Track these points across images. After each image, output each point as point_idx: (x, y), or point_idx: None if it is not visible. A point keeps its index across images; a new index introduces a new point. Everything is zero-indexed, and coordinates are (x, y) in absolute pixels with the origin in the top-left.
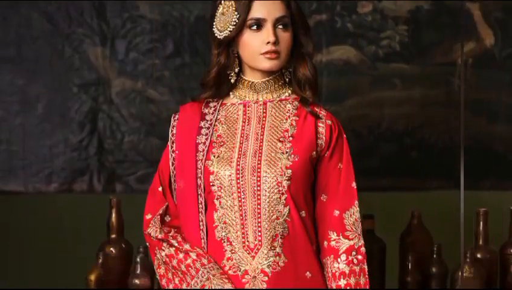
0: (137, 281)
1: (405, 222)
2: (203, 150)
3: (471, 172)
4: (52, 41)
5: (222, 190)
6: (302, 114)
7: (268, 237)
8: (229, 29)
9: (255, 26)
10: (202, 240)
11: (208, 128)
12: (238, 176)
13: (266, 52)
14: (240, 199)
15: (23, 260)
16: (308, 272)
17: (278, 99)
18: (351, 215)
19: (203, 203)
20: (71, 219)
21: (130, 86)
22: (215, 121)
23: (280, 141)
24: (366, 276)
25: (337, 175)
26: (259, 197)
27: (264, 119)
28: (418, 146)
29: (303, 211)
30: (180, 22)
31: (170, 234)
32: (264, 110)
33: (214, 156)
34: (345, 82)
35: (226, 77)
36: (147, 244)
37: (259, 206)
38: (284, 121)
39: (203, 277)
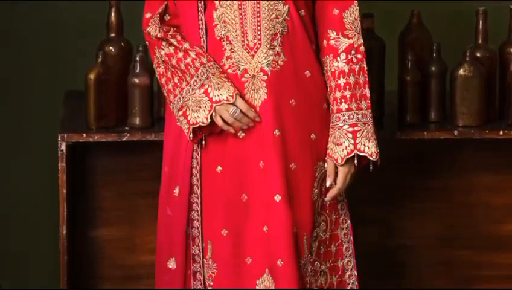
0: (136, 80)
1: (405, 21)
2: None
3: None
4: None
5: None
6: None
7: (268, 36)
8: None
9: None
10: (201, 39)
11: None
12: None
13: None
14: None
15: (23, 63)
16: (307, 71)
17: None
18: (350, 14)
19: (203, 3)
20: (71, 18)
21: None
22: None
23: None
24: (366, 75)
25: None
26: None
27: None
28: None
29: (302, 11)
30: None
31: (169, 33)
32: None
33: None
34: None
35: None
36: (147, 43)
37: (258, 5)
38: None
39: (202, 76)
